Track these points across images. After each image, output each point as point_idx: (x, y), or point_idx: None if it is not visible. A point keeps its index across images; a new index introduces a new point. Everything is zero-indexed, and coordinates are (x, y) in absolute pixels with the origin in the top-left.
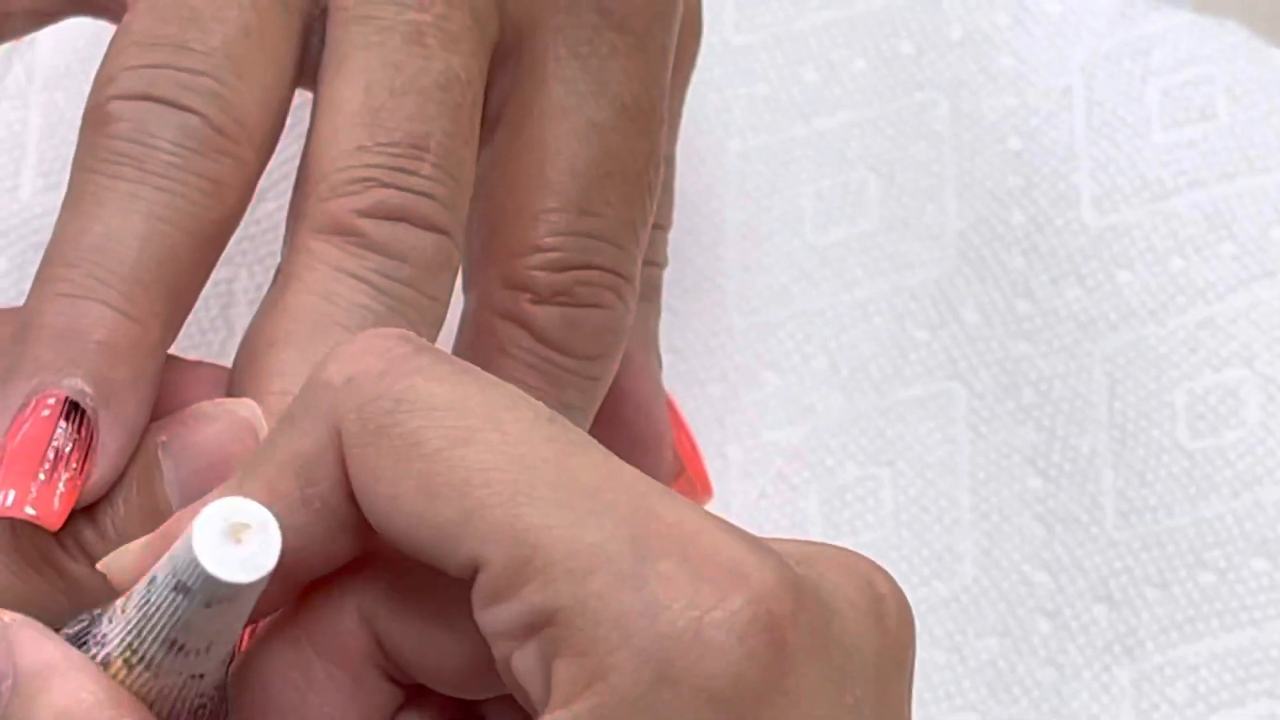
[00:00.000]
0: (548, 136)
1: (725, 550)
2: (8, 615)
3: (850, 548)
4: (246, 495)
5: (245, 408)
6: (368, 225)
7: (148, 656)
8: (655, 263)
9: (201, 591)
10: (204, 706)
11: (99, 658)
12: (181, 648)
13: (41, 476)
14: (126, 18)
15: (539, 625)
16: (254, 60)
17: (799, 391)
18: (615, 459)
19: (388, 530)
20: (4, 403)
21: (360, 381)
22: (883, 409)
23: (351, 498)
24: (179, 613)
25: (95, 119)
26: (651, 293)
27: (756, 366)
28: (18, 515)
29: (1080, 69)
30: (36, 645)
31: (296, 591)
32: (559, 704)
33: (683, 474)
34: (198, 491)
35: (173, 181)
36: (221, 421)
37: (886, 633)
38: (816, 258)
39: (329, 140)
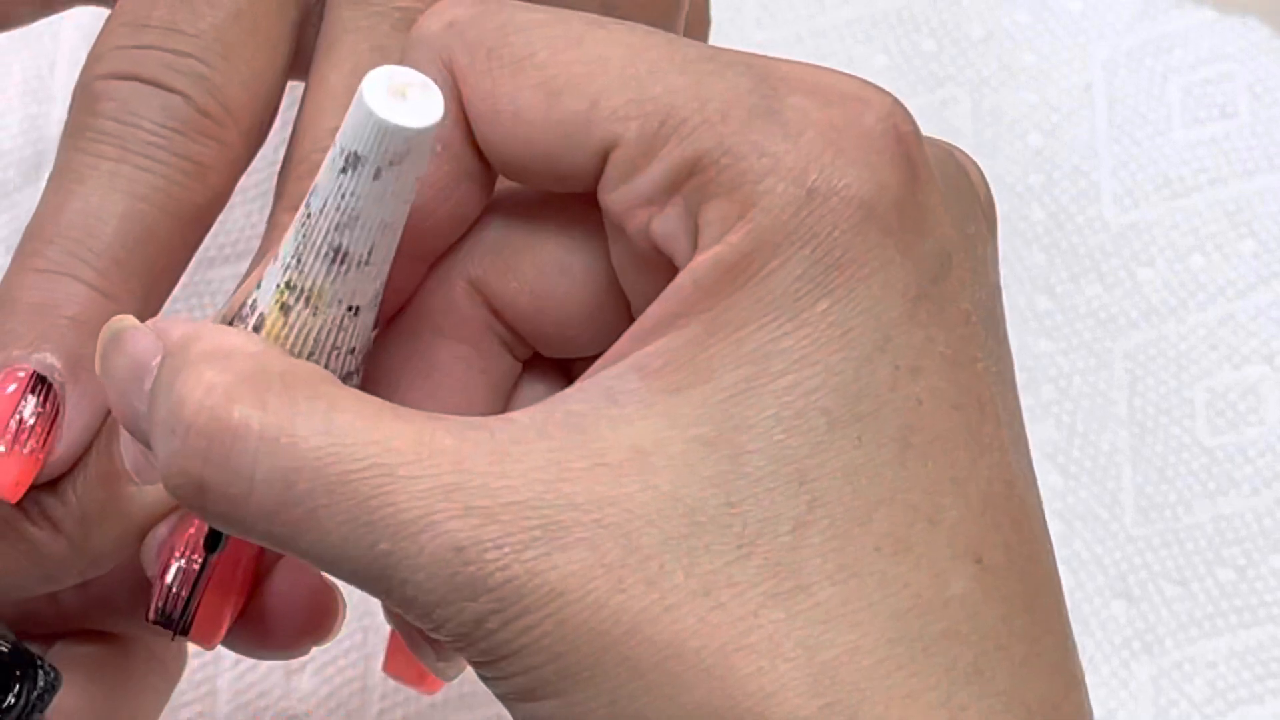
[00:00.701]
0: None
1: (845, 83)
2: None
3: None
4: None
5: None
6: None
7: (306, 285)
8: None
9: (373, 153)
10: (351, 375)
11: (250, 325)
12: (344, 257)
13: (2, 448)
14: (120, 0)
15: (681, 179)
16: (244, 44)
17: None
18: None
19: (511, 149)
20: None
21: (461, 21)
22: None
23: (471, 139)
24: (345, 199)
25: (82, 97)
26: None
27: None
28: None
29: (1101, 66)
30: (186, 323)
31: (422, 273)
32: (710, 244)
33: None
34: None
35: (154, 161)
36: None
37: (982, 190)
38: None
39: (311, 121)
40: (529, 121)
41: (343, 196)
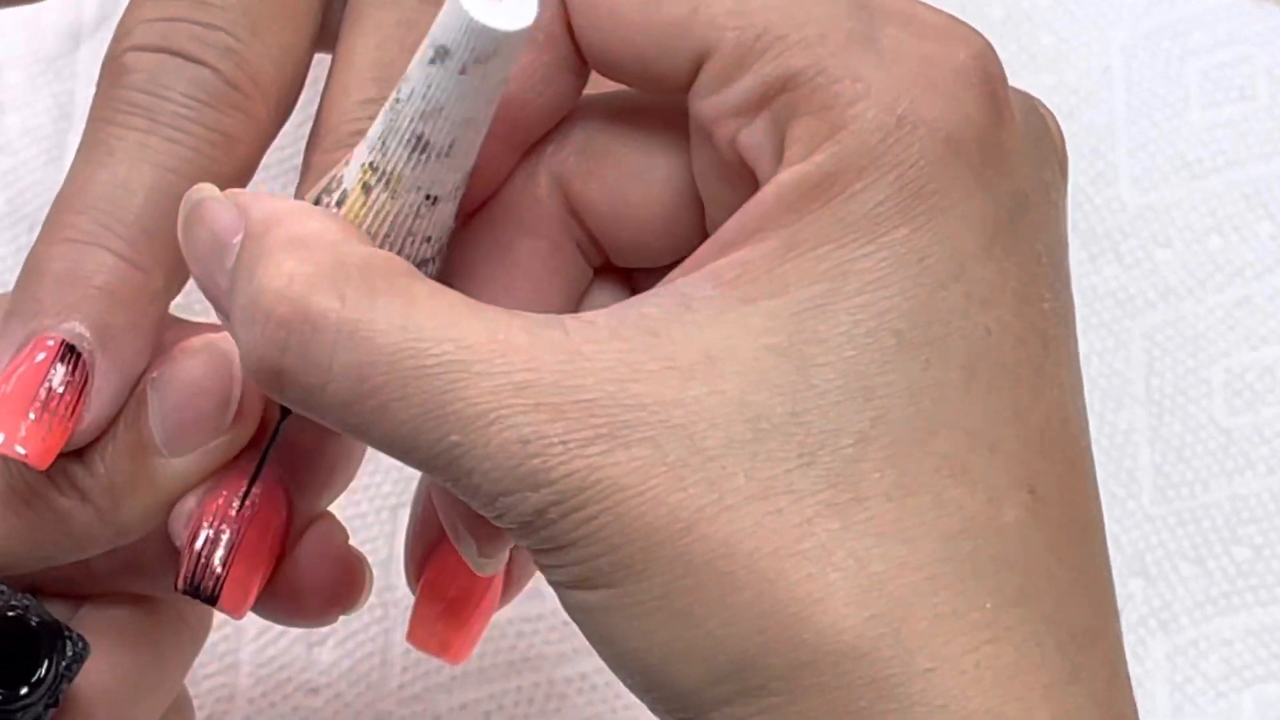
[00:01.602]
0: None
1: (941, 19)
2: (240, 191)
3: None
4: None
5: (226, 341)
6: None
7: (388, 168)
8: None
9: (461, 49)
10: (427, 262)
11: (334, 199)
12: (425, 146)
13: (32, 416)
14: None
15: (773, 94)
16: (272, 17)
17: None
18: None
19: (608, 46)
20: (2, 344)
21: None
22: None
23: (569, 29)
24: (430, 90)
25: (111, 70)
26: None
27: None
28: (8, 454)
29: (1120, 49)
30: (266, 199)
31: (512, 163)
32: (796, 160)
33: None
34: (176, 425)
35: (183, 133)
36: (203, 355)
37: (1059, 142)
38: None
39: (339, 94)
40: (627, 21)
41: (429, 87)
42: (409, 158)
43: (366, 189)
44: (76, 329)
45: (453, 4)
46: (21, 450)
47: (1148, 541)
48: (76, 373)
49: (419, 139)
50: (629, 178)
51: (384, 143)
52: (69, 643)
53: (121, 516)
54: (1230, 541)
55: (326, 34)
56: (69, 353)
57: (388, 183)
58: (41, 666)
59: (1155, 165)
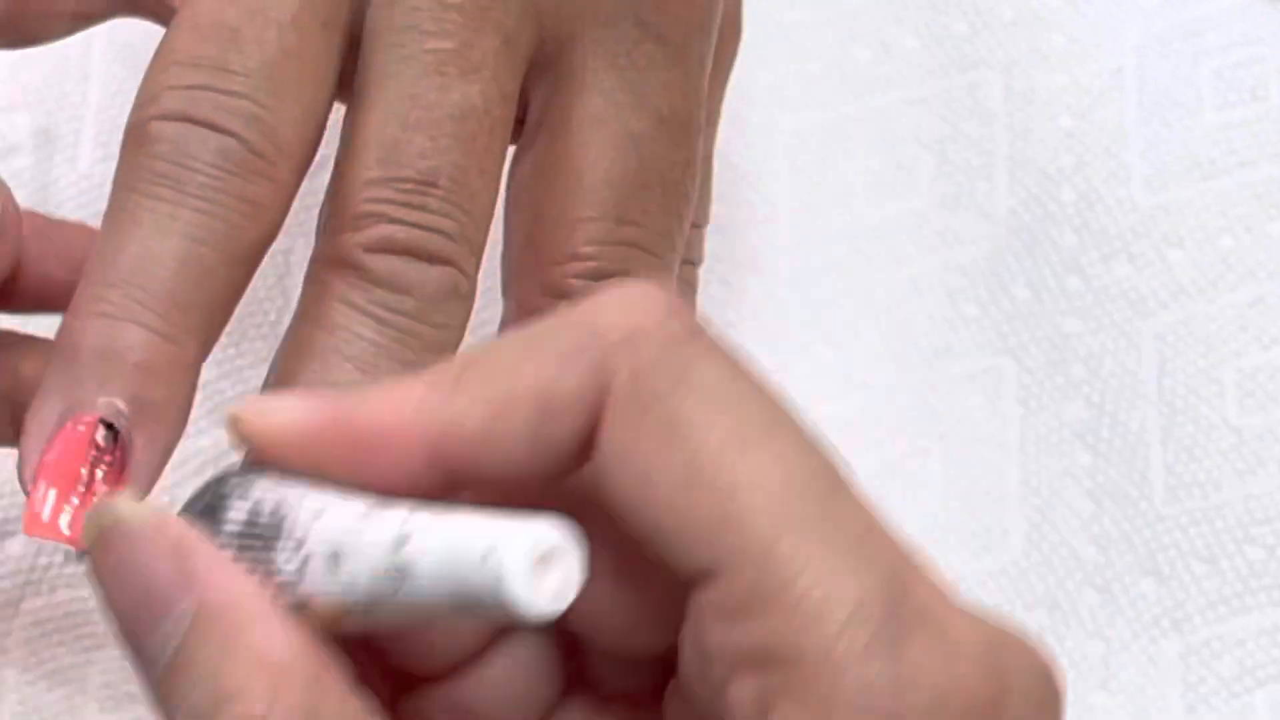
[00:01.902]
0: (586, 146)
1: (973, 633)
2: (171, 522)
3: (905, 527)
4: (466, 411)
5: None
6: (372, 260)
7: (361, 616)
8: (691, 261)
9: (487, 611)
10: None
11: (298, 592)
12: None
13: (75, 500)
14: (169, 34)
15: (771, 662)
16: (293, 81)
17: (850, 366)
18: (872, 507)
19: (625, 505)
20: (41, 421)
21: (639, 343)
22: (933, 383)
23: (584, 451)
24: (433, 612)
25: (136, 138)
26: (688, 290)
27: (808, 340)
28: (52, 536)
29: (1133, 49)
30: (222, 574)
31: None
32: None
33: None
34: None
35: (210, 203)
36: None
37: None
38: (868, 233)
39: (345, 172)
40: (656, 498)
41: (433, 611)
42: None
43: (341, 611)
44: (115, 405)
45: (484, 573)
46: (66, 531)
47: (1160, 541)
48: (117, 450)
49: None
50: (622, 584)
51: (358, 605)
52: None
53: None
54: (1243, 541)
55: (344, 83)
56: (108, 430)
57: (359, 614)
58: None
59: (1167, 165)
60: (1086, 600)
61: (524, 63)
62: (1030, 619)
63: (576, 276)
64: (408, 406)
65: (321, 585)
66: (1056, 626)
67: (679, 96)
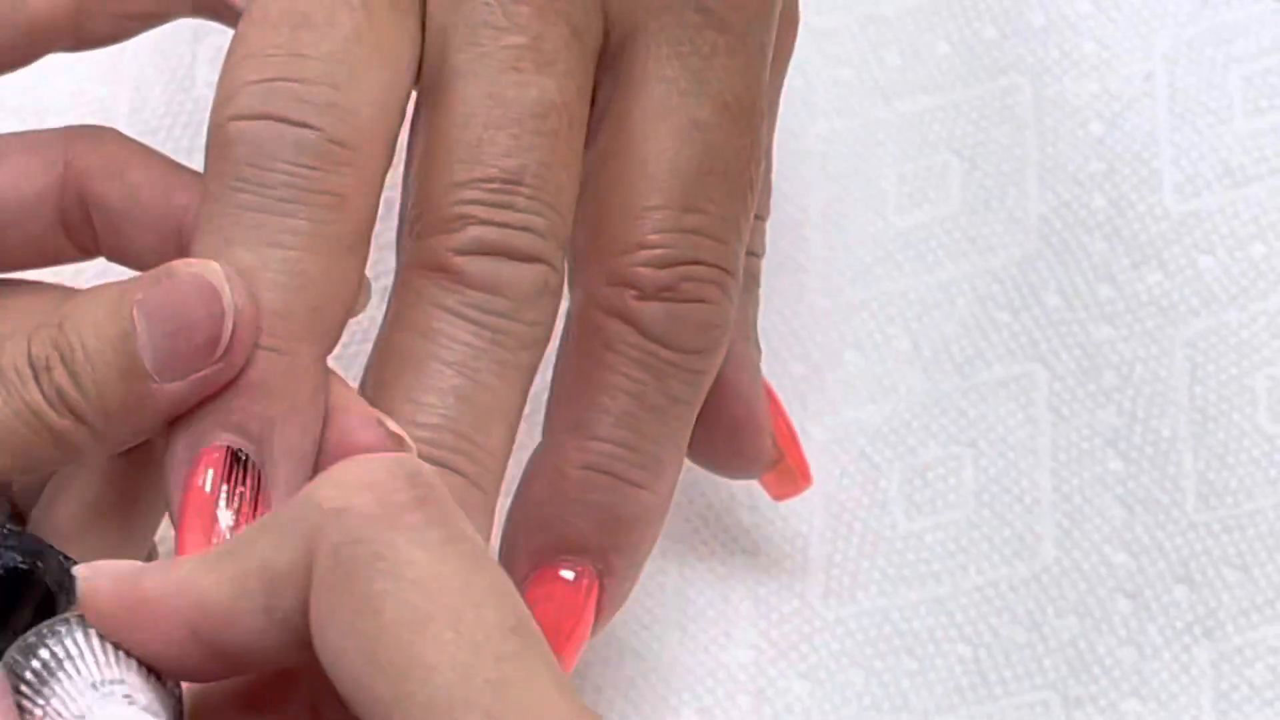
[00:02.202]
0: (650, 135)
1: None
2: None
3: (937, 534)
4: (213, 587)
5: (210, 270)
6: (465, 263)
7: None
8: (755, 253)
9: None
10: None
11: None
12: None
13: (218, 539)
14: (241, 27)
15: None
16: (368, 62)
17: (881, 372)
18: (559, 695)
19: (329, 670)
20: (175, 462)
21: (348, 519)
22: (964, 390)
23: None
24: None
25: (217, 139)
26: (751, 283)
27: (839, 346)
28: None
29: (1163, 56)
30: None
31: (244, 676)
32: None
33: (782, 461)
34: (168, 356)
35: (295, 204)
36: (186, 283)
37: None
38: (899, 239)
39: (428, 174)
40: (346, 668)
41: None
42: None
43: None
44: (238, 433)
45: None
46: None
47: (1192, 549)
48: (248, 479)
49: None
50: None
51: None
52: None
53: (113, 435)
54: (1275, 548)
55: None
56: (235, 461)
57: None
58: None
59: (1198, 172)
60: (1118, 607)
61: (593, 55)
62: (1062, 626)
63: (643, 265)
64: (170, 584)
65: None
66: (1088, 633)
67: (741, 84)
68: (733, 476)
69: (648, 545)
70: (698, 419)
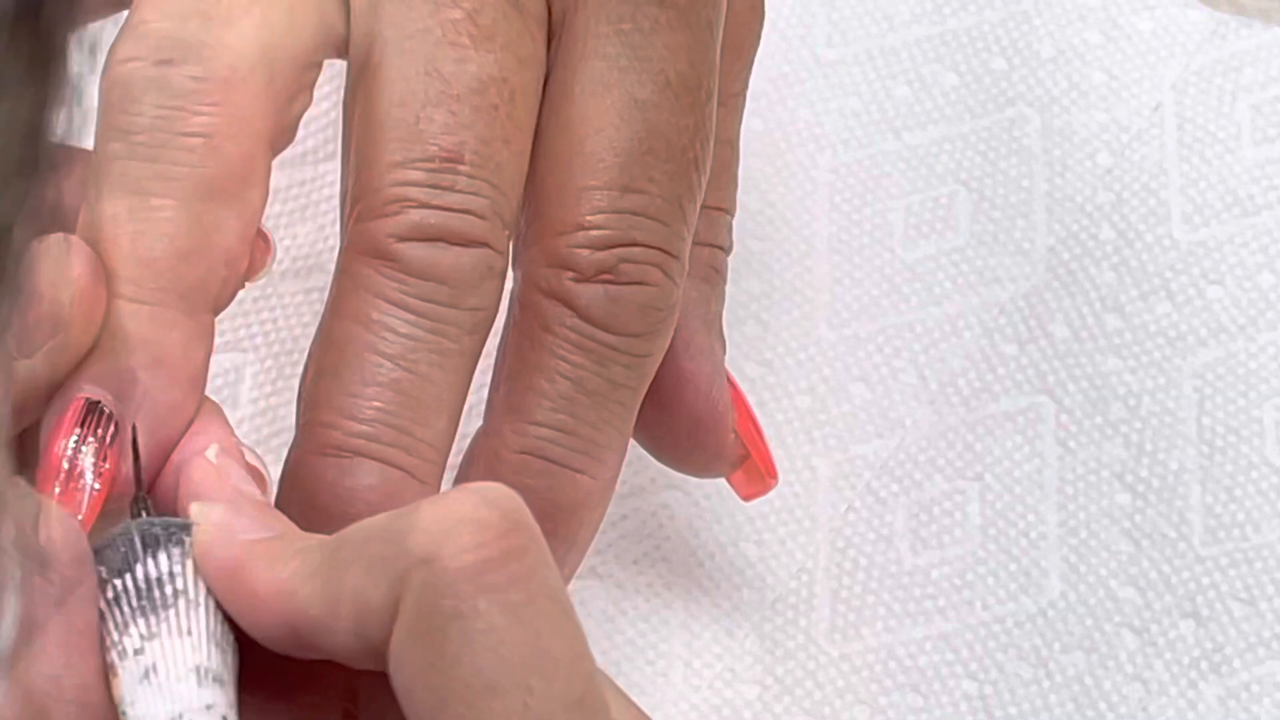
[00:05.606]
0: (589, 113)
1: None
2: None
3: (938, 562)
4: (310, 601)
5: (48, 243)
6: (404, 249)
7: None
8: (718, 246)
9: None
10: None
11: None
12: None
13: (58, 489)
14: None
15: None
16: (249, 5)
17: (888, 405)
18: None
19: (400, 697)
20: (52, 409)
21: (434, 570)
22: (971, 423)
23: None
24: None
25: (103, 89)
26: (714, 276)
27: (845, 379)
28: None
29: (1171, 86)
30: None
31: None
32: None
33: (748, 459)
34: (18, 334)
35: (159, 148)
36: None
37: None
38: (906, 271)
39: (365, 154)
40: (413, 710)
41: None
42: None
43: None
44: (95, 384)
45: None
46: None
47: (1199, 583)
48: (105, 429)
49: None
50: None
51: None
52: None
53: None
54: None
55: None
56: (91, 410)
57: None
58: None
59: (1207, 202)
60: (1125, 642)
61: (540, 23)
62: (1068, 661)
63: (581, 246)
64: (272, 585)
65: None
66: (1094, 669)
67: (685, 61)
68: (699, 474)
69: (588, 531)
70: (659, 412)
